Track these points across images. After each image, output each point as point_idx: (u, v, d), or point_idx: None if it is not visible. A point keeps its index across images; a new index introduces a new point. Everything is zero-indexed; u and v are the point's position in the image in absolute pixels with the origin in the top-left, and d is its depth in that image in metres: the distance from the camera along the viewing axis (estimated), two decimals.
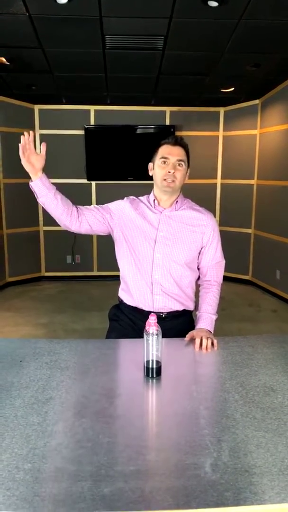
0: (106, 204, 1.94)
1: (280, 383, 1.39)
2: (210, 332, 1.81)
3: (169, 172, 1.78)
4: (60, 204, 1.78)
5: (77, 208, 1.86)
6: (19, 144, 1.75)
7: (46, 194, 1.76)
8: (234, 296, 5.62)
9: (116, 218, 1.89)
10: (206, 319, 1.85)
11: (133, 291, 1.90)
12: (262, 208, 5.87)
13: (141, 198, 1.96)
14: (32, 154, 1.79)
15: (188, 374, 1.52)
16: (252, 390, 1.34)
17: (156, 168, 1.84)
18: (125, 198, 1.96)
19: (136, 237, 1.86)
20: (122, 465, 0.98)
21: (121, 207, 1.91)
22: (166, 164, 1.80)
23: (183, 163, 1.81)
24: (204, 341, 1.69)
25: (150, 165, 1.89)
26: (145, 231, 1.85)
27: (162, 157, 1.81)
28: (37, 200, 1.80)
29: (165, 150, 1.81)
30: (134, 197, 1.96)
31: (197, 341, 1.70)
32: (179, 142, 1.82)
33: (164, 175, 1.80)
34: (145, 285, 1.86)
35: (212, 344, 1.69)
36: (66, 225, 1.85)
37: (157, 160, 1.83)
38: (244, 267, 6.27)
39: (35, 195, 1.79)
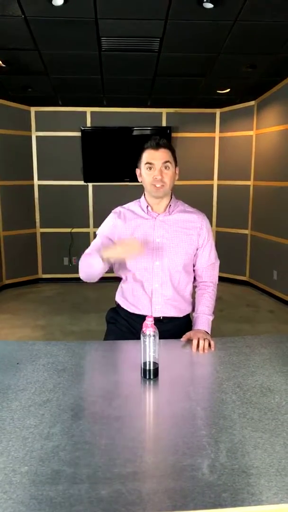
0: (103, 234, 1.90)
1: (277, 383, 1.39)
2: (208, 333, 1.81)
3: (157, 178, 1.76)
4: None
5: None
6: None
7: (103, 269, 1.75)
8: (231, 297, 5.62)
9: (116, 238, 1.87)
10: (203, 321, 1.85)
11: (132, 301, 1.89)
12: (258, 209, 5.89)
13: (129, 206, 1.93)
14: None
15: (185, 375, 1.52)
16: (249, 391, 1.34)
17: (144, 174, 1.81)
18: (112, 213, 1.93)
19: None
20: (119, 467, 0.98)
21: (114, 227, 1.88)
22: (152, 169, 1.77)
23: (169, 164, 1.77)
24: (201, 342, 1.68)
25: (138, 171, 1.86)
26: (141, 241, 1.82)
27: (147, 163, 1.77)
28: (96, 263, 1.75)
29: (148, 155, 1.77)
30: (120, 209, 1.93)
31: (194, 342, 1.69)
32: (161, 144, 1.77)
33: (152, 181, 1.77)
34: (145, 294, 1.85)
35: (209, 345, 1.69)
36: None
37: (143, 166, 1.80)
38: (241, 268, 6.28)
39: (96, 261, 1.74)
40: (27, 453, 1.02)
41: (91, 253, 1.82)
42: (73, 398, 1.29)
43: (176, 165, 1.83)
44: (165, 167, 1.77)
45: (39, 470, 0.97)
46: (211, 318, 1.88)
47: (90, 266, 1.78)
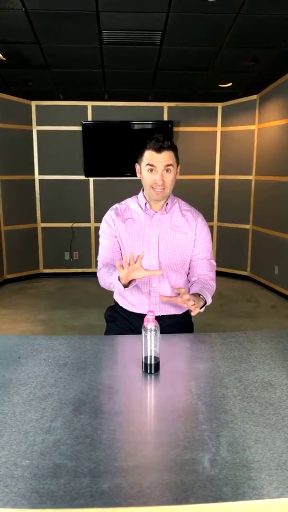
0: (107, 231, 1.88)
1: (278, 378, 1.40)
2: (199, 296, 1.71)
3: (158, 183, 1.73)
4: None
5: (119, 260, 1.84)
6: (121, 262, 1.60)
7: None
8: (232, 292, 5.62)
9: (117, 235, 1.87)
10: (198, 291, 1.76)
11: (130, 300, 1.88)
12: (260, 203, 5.87)
13: (127, 202, 1.91)
14: (134, 271, 1.61)
15: (187, 369, 1.52)
16: (250, 385, 1.34)
17: (144, 174, 1.77)
18: (109, 210, 1.91)
19: (130, 248, 1.83)
20: (120, 461, 0.98)
21: (114, 222, 1.87)
22: (153, 172, 1.73)
23: (171, 167, 1.73)
24: (186, 296, 1.58)
25: (137, 167, 1.82)
26: (138, 240, 1.82)
27: (148, 164, 1.73)
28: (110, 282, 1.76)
29: (150, 157, 1.72)
30: (117, 205, 1.91)
31: (184, 297, 1.60)
32: (164, 147, 1.70)
33: (152, 184, 1.74)
34: (142, 294, 1.84)
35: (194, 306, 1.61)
36: None
37: (144, 166, 1.75)
38: (242, 263, 6.27)
39: (113, 284, 1.73)
40: (28, 447, 1.03)
41: (108, 265, 1.82)
42: (74, 392, 1.29)
43: (178, 164, 1.79)
44: (167, 170, 1.73)
45: (41, 463, 0.97)
46: (208, 295, 1.76)
47: (110, 286, 1.79)
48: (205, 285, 1.81)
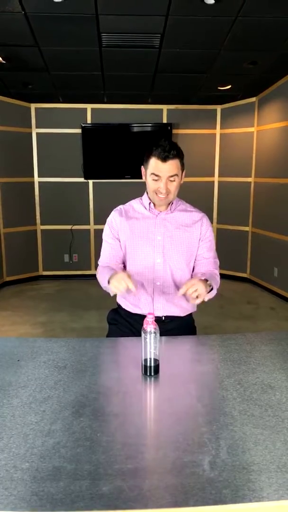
0: (109, 234, 1.89)
1: (278, 380, 1.40)
2: (206, 281, 1.70)
3: (161, 191, 1.74)
4: None
5: (118, 264, 1.86)
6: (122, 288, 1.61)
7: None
8: (232, 294, 5.62)
9: (120, 236, 1.87)
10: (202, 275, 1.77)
11: (133, 301, 1.88)
12: (259, 205, 5.88)
13: (131, 203, 1.92)
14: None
15: (186, 372, 1.53)
16: (250, 388, 1.34)
17: (148, 180, 1.78)
18: (113, 212, 1.92)
19: (135, 246, 1.84)
20: (120, 464, 0.98)
21: (117, 223, 1.88)
22: (158, 181, 1.74)
23: (176, 177, 1.74)
24: (190, 290, 1.59)
25: (143, 170, 1.82)
26: (142, 239, 1.83)
27: (153, 173, 1.73)
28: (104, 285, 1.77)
29: (155, 166, 1.72)
30: (121, 206, 1.93)
31: (184, 288, 1.61)
32: (170, 157, 1.69)
33: (156, 190, 1.76)
34: (146, 294, 1.84)
35: (198, 296, 1.61)
36: None
37: (148, 173, 1.76)
38: (242, 264, 6.28)
39: (103, 283, 1.76)
40: (28, 450, 1.03)
41: (105, 267, 1.83)
42: (74, 395, 1.29)
43: (183, 170, 1.79)
44: (171, 180, 1.74)
45: (40, 466, 0.97)
46: (214, 286, 1.77)
47: (104, 288, 1.80)
48: (212, 275, 1.83)
